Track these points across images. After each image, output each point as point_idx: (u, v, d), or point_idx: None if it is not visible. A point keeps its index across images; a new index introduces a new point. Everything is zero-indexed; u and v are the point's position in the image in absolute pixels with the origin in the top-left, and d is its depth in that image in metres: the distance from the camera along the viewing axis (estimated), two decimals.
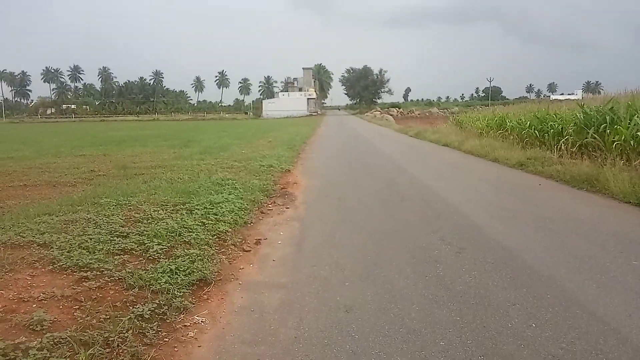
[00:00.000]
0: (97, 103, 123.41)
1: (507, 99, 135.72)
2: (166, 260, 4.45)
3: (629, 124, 10.63)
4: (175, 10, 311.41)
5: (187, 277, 4.11)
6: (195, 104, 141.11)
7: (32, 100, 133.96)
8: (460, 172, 11.25)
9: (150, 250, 4.71)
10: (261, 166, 11.64)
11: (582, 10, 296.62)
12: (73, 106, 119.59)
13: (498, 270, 4.41)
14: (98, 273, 4.06)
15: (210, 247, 5.06)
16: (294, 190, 9.13)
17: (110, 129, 41.39)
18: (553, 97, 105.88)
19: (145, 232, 5.25)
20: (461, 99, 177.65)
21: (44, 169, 11.55)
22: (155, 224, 5.63)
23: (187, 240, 5.16)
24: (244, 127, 41.43)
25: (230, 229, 5.96)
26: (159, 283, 3.91)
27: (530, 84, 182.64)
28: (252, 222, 6.57)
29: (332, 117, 78.82)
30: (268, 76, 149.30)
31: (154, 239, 5.02)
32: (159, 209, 6.57)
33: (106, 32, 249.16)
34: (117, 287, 3.87)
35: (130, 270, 4.13)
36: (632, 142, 10.33)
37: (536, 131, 15.10)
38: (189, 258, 4.54)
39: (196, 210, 6.55)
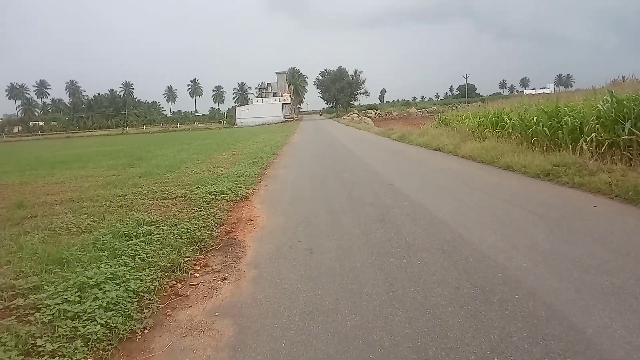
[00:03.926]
0: (66, 118, 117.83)
1: (482, 95, 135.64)
2: None
3: None
4: (143, 18, 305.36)
5: None
6: (169, 115, 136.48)
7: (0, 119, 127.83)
8: (473, 191, 8.37)
9: None
10: (208, 194, 8.62)
11: (552, 3, 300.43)
12: (41, 123, 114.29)
13: None
14: None
15: None
16: (244, 236, 6.14)
17: (67, 147, 37.75)
18: (526, 91, 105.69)
19: None
20: (436, 97, 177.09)
21: None
22: None
23: None
24: (213, 137, 38.11)
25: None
26: None
27: (503, 80, 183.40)
28: (145, 328, 3.57)
29: (308, 122, 75.59)
30: (242, 82, 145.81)
31: None
32: None
33: (72, 44, 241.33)
34: None
35: None
36: None
37: (545, 128, 12.39)
38: None
39: (44, 310, 3.56)
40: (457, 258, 4.66)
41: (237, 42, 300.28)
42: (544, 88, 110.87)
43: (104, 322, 3.44)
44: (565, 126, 11.68)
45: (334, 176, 11.30)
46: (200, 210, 7.35)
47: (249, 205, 8.20)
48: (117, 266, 4.49)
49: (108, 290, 3.89)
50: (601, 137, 10.40)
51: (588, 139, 10.58)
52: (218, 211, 7.36)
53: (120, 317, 3.56)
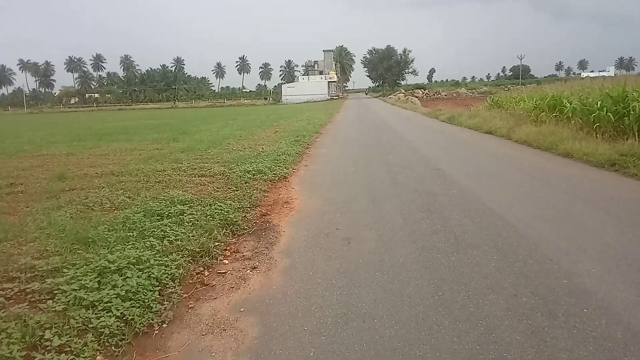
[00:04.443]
0: (120, 91, 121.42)
1: (536, 77, 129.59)
2: None
3: None
4: (194, 3, 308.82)
5: None
6: (217, 90, 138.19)
7: (59, 90, 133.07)
8: (531, 179, 7.65)
9: None
10: (247, 172, 8.34)
11: None
12: (96, 95, 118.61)
13: None
14: None
15: None
16: (279, 220, 5.80)
17: (117, 119, 38.68)
18: (584, 74, 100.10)
19: None
20: (487, 78, 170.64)
21: None
22: None
23: None
24: (258, 113, 38.05)
25: None
26: None
27: (560, 62, 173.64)
28: (164, 322, 3.28)
29: (353, 100, 74.59)
30: (289, 60, 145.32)
31: None
32: None
33: (127, 23, 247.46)
34: None
35: None
36: None
37: (610, 114, 11.37)
38: None
39: (59, 297, 3.33)
40: (513, 258, 4.13)
41: (285, 21, 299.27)
42: (604, 71, 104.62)
43: (119, 314, 3.17)
44: (632, 112, 10.68)
45: (378, 158, 10.80)
46: (237, 190, 7.08)
47: (287, 187, 7.86)
48: (143, 249, 4.24)
49: (129, 277, 3.61)
50: None
51: None
52: (255, 192, 7.05)
53: (138, 309, 3.28)
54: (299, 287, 3.78)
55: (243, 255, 4.59)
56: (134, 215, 5.36)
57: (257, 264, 4.35)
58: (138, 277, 3.66)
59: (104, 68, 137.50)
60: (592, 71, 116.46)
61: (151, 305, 3.38)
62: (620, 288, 3.43)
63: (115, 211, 5.81)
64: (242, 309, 3.45)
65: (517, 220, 5.27)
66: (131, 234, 4.74)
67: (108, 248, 4.27)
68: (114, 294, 3.39)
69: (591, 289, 3.43)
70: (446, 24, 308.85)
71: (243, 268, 4.26)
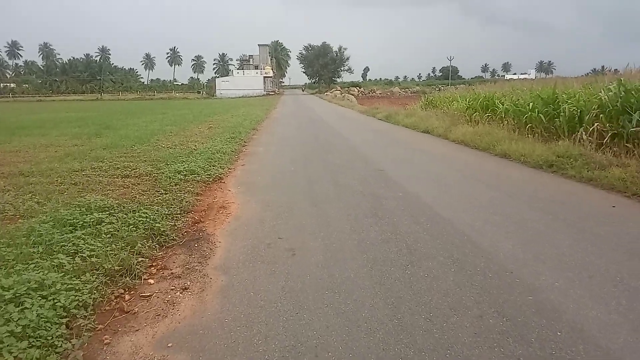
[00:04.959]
0: (39, 82, 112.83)
1: (464, 78, 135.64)
2: None
3: None
4: None
5: None
6: (147, 83, 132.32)
7: None
8: (474, 182, 7.54)
9: None
10: (177, 173, 7.65)
11: None
12: (12, 85, 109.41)
13: None
14: None
15: None
16: (214, 229, 5.21)
17: (35, 111, 35.67)
18: (507, 76, 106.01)
19: None
20: (418, 78, 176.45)
21: None
22: None
23: None
24: (190, 107, 36.49)
25: None
26: None
27: (486, 64, 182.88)
28: None
29: (290, 96, 73.91)
30: (223, 54, 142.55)
31: None
32: None
33: (47, 9, 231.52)
34: None
35: None
36: None
37: (541, 115, 11.73)
38: None
39: None
40: (471, 271, 3.83)
41: (218, 13, 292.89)
42: (525, 74, 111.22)
43: (13, 358, 2.52)
44: (562, 114, 11.02)
45: (318, 157, 10.38)
46: (166, 193, 6.41)
47: (223, 189, 7.25)
48: (48, 270, 3.55)
49: (28, 308, 2.95)
50: (605, 127, 9.79)
51: (590, 128, 9.94)
52: (186, 195, 6.41)
53: (39, 349, 2.64)
54: (238, 313, 3.26)
55: (172, 273, 3.99)
56: (40, 226, 4.59)
57: (188, 283, 3.77)
58: (40, 306, 3.00)
59: (21, 56, 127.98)
60: (514, 74, 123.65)
61: (55, 343, 2.74)
62: (588, 305, 3.20)
63: (19, 220, 4.99)
64: (169, 344, 2.88)
65: (467, 226, 5.03)
66: (35, 249, 4.01)
67: (4, 269, 3.53)
68: (7, 331, 2.72)
69: (559, 307, 3.18)
70: (380, 25, 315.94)
71: (172, 289, 3.67)
